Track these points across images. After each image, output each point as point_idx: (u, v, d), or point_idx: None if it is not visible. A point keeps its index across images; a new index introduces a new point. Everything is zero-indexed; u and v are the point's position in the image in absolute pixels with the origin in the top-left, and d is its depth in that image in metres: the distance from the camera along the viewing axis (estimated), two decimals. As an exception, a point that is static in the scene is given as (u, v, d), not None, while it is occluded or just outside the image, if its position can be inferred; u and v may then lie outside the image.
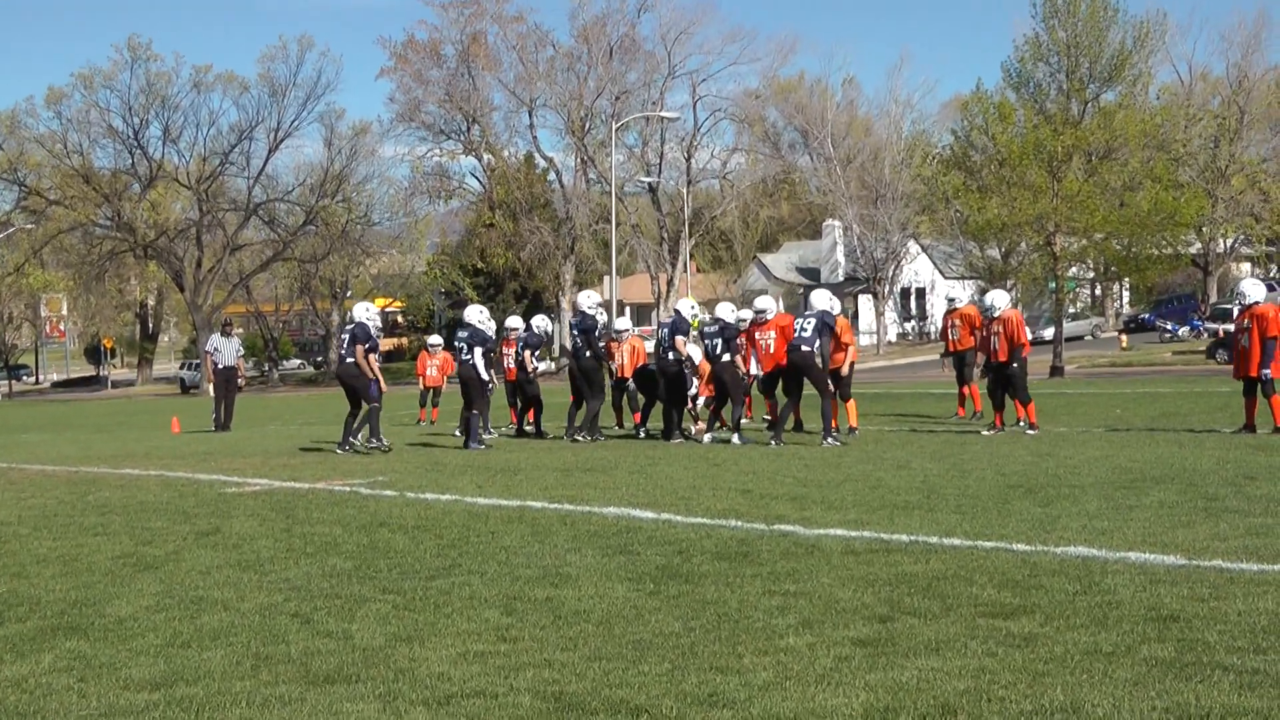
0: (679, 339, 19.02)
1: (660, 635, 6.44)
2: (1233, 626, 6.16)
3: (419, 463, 16.50)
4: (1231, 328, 17.60)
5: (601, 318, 20.55)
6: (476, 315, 19.79)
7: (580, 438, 19.08)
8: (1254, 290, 17.18)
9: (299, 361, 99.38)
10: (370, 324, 19.14)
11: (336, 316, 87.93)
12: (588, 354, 19.65)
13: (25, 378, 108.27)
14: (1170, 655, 5.71)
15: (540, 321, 20.66)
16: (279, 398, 60.37)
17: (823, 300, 18.15)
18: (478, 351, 19.17)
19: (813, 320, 17.66)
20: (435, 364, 27.35)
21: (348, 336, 18.82)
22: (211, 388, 27.52)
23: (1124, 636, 6.06)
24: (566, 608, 7.15)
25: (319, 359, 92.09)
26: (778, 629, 6.47)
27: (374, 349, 19.06)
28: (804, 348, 17.43)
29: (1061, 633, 6.17)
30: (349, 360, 18.70)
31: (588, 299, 20.46)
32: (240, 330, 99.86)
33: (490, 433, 20.71)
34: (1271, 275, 76.79)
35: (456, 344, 19.69)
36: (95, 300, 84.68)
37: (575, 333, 19.96)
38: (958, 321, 21.35)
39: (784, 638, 6.28)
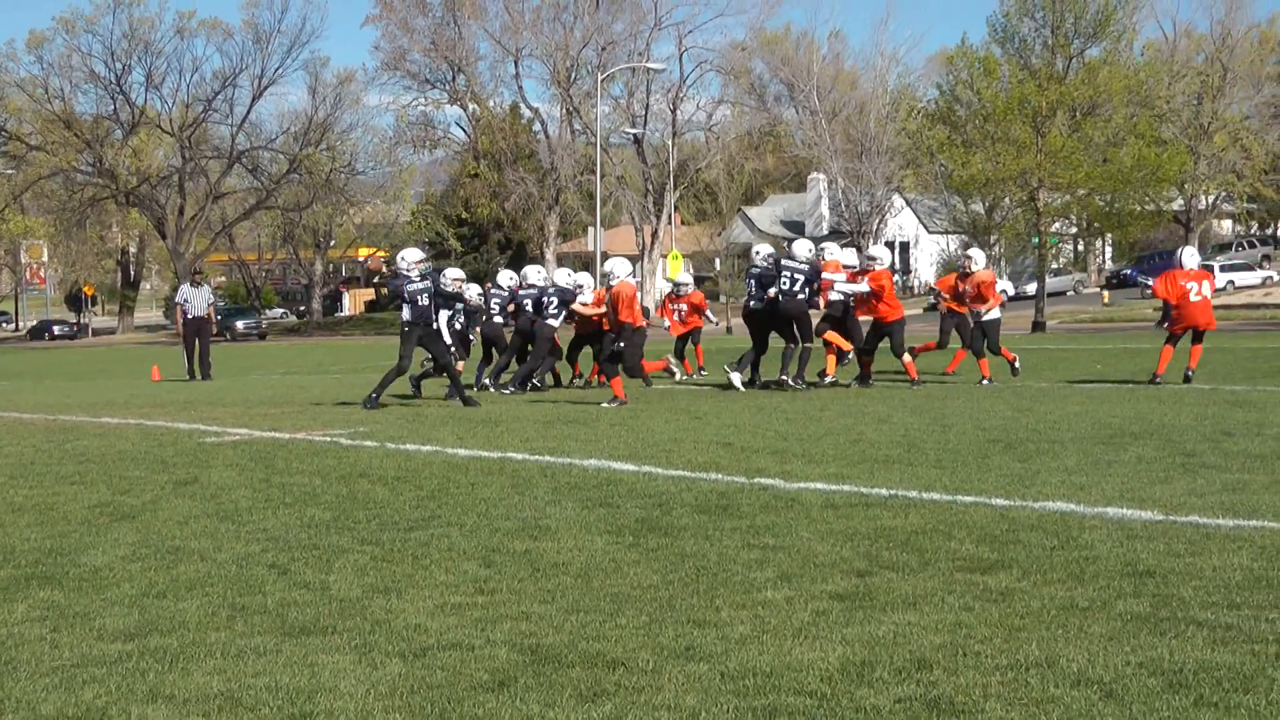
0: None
1: (638, 588, 6.45)
2: (1207, 582, 6.19)
3: (400, 414, 16.47)
4: None
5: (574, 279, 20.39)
6: (565, 277, 20.29)
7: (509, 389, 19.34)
8: (1191, 260, 18.03)
9: (282, 310, 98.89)
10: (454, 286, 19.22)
11: (319, 266, 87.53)
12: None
13: (5, 325, 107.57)
14: (1145, 610, 5.73)
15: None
16: (260, 347, 60.22)
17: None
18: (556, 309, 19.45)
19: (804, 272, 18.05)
20: None
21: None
22: (183, 339, 27.41)
23: (1100, 591, 6.08)
24: (545, 560, 7.15)
25: (301, 308, 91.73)
26: (756, 582, 6.48)
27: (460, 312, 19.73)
28: (799, 296, 17.82)
29: (1038, 587, 6.19)
30: (496, 320, 20.03)
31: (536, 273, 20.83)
32: (222, 278, 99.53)
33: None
34: (1252, 232, 76.96)
35: (523, 300, 19.69)
36: (76, 247, 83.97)
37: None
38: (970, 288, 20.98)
39: (762, 591, 6.29)
